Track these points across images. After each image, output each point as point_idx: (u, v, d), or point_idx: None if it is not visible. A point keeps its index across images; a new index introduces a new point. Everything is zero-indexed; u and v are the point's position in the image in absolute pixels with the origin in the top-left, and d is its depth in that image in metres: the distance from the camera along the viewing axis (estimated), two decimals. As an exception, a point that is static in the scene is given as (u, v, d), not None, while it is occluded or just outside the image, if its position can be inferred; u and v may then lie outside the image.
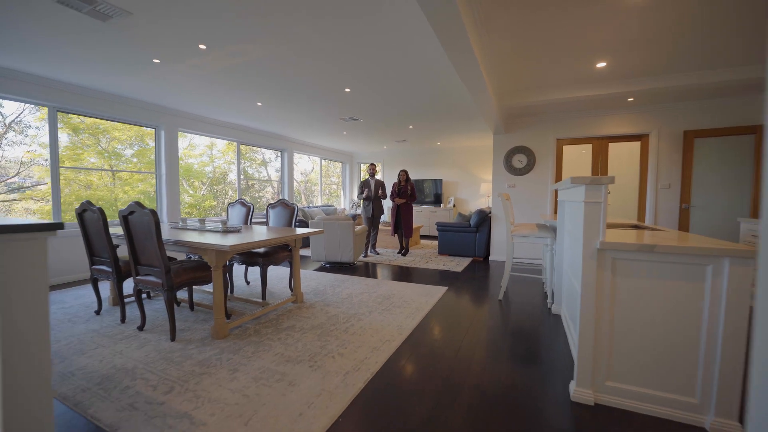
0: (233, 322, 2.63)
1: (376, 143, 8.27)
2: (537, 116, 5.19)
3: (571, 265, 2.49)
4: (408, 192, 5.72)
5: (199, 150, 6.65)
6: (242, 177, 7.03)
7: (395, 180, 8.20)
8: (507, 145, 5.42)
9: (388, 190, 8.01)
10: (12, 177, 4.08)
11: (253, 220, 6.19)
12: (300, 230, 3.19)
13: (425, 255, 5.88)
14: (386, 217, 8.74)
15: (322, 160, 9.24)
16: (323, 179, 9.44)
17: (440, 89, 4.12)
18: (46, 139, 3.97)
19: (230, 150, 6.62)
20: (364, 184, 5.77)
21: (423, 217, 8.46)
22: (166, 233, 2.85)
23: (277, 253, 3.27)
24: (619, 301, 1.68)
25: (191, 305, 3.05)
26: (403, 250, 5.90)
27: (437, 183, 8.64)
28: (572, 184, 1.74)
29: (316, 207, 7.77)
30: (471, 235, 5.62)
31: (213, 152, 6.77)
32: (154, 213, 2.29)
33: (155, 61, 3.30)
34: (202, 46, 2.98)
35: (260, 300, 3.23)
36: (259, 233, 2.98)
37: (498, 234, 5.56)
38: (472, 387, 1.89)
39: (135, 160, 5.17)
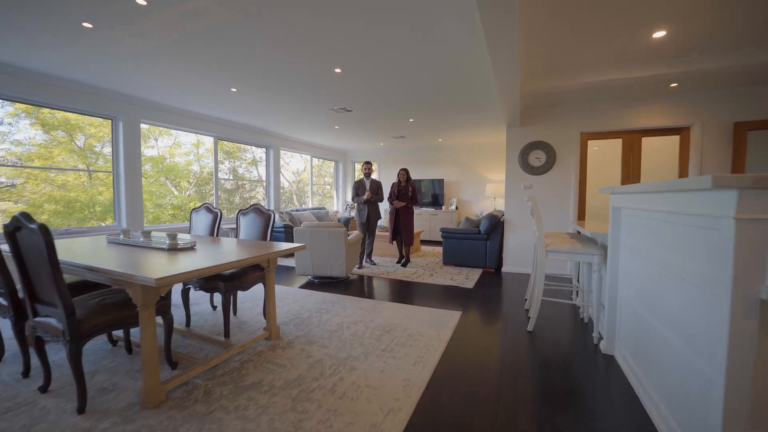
0: (176, 377, 1.89)
1: (371, 139, 7.53)
2: (559, 107, 4.50)
3: (646, 300, 1.79)
4: (409, 194, 5.00)
5: (185, 148, 5.90)
6: (231, 177, 6.30)
7: (392, 180, 7.49)
8: (523, 141, 4.72)
9: (386, 192, 7.26)
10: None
11: (224, 227, 5.45)
12: (283, 245, 2.45)
13: (428, 265, 5.17)
14: (383, 221, 8.01)
15: (314, 159, 8.48)
16: (315, 179, 8.68)
17: (448, 72, 3.39)
18: (18, 136, 3.68)
19: (218, 148, 5.85)
20: (358, 185, 5.05)
21: (423, 220, 7.74)
22: (71, 255, 2.09)
23: (246, 274, 2.53)
24: (795, 390, 0.98)
25: (128, 347, 2.30)
26: (404, 260, 5.17)
27: (437, 183, 7.93)
28: (714, 188, 1.03)
29: (306, 210, 7.01)
30: (481, 243, 4.91)
31: (200, 150, 6.01)
32: (44, 230, 1.54)
33: (86, 25, 2.53)
34: (141, 1, 2.23)
35: (222, 339, 2.48)
36: (224, 250, 2.25)
37: (512, 241, 4.86)
38: None
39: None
